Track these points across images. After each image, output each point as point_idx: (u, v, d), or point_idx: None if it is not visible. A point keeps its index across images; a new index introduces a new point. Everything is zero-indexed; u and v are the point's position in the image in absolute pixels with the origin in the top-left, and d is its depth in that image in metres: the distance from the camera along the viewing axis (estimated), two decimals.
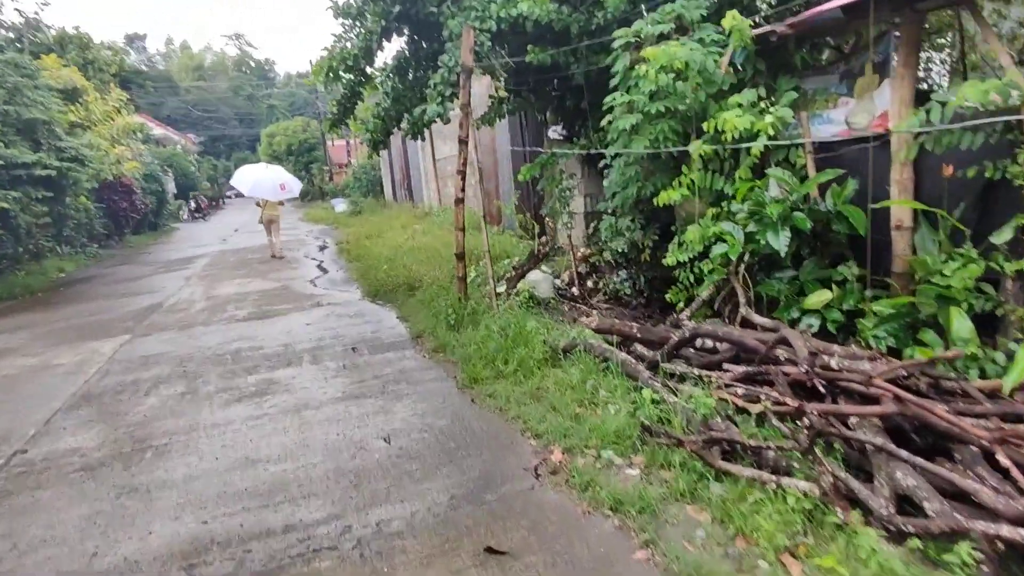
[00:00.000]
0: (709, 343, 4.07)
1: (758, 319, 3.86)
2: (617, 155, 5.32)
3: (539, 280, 6.66)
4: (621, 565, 2.43)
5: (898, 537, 2.26)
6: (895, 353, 3.44)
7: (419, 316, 6.33)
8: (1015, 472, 2.20)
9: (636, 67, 4.69)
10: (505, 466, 3.25)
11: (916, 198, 3.72)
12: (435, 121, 6.13)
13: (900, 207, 3.76)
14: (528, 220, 9.80)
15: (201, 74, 64.42)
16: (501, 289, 6.35)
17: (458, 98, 5.74)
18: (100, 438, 4.06)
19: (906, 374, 2.82)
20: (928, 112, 3.32)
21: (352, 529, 2.79)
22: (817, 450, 2.56)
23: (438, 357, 5.19)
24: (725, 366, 3.69)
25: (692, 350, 4.10)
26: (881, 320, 3.54)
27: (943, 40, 5.33)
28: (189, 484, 3.34)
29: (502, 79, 7.11)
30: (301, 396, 4.53)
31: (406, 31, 6.89)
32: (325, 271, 10.63)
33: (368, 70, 7.26)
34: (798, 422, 2.82)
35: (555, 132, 8.40)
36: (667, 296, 5.27)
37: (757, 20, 4.85)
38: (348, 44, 7.03)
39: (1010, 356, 2.97)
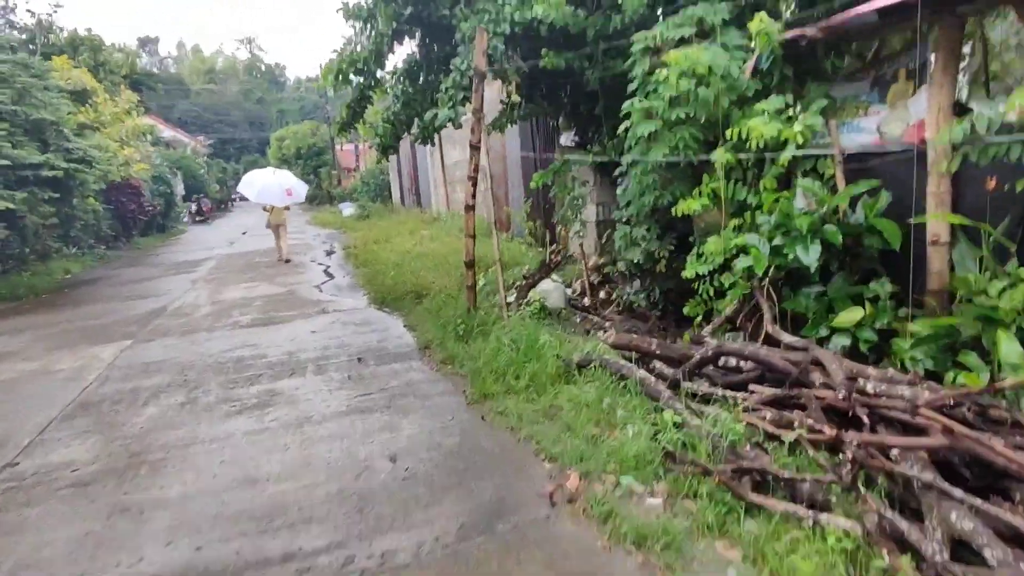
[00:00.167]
0: (732, 361, 3.88)
1: (786, 337, 3.66)
2: (634, 163, 5.15)
3: (550, 290, 6.48)
4: None
5: None
6: (933, 376, 3.23)
7: (427, 325, 6.15)
8: None
9: (656, 72, 4.52)
10: (518, 492, 3.06)
11: (954, 211, 3.53)
12: (446, 126, 5.99)
13: (936, 221, 3.56)
14: (538, 227, 9.64)
15: (212, 77, 64.86)
16: (511, 298, 6.18)
17: (470, 102, 5.59)
18: (95, 451, 3.90)
19: (953, 403, 2.61)
20: (973, 122, 3.12)
21: (355, 560, 2.61)
22: (860, 485, 2.36)
23: (446, 369, 5.01)
24: (751, 387, 3.49)
25: (714, 368, 3.90)
26: (918, 341, 3.34)
27: (963, 50, 5.14)
28: (184, 504, 3.17)
29: (514, 84, 6.97)
30: (304, 409, 4.36)
31: (417, 34, 6.76)
32: (331, 276, 10.49)
33: (378, 74, 7.13)
34: (839, 454, 2.61)
35: (567, 139, 8.24)
36: (684, 309, 5.07)
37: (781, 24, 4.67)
38: (358, 47, 6.91)
39: None
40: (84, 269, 13.49)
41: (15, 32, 18.66)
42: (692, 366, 3.71)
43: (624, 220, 5.93)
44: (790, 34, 3.98)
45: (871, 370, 3.17)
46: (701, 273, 4.66)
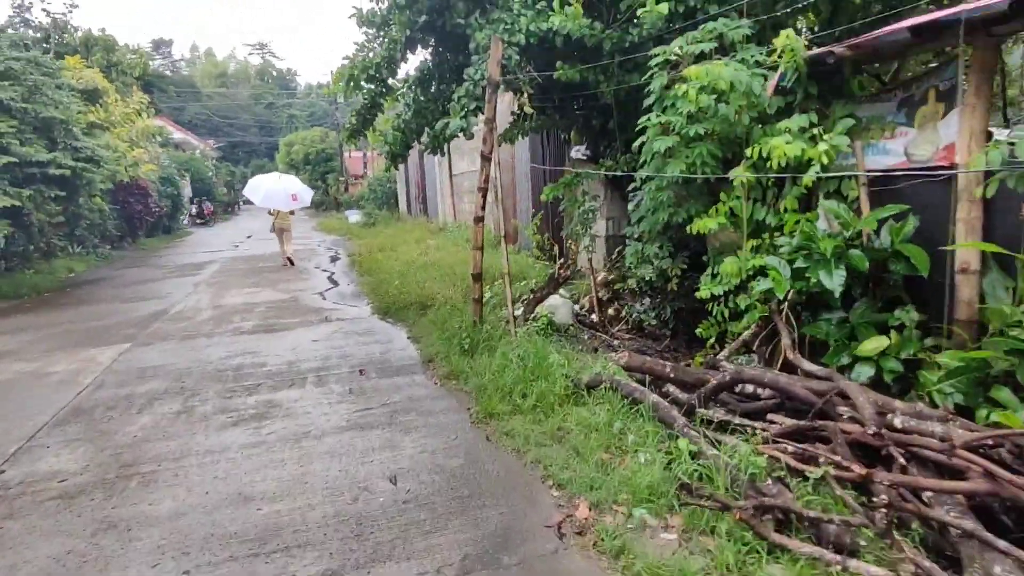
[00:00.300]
0: (748, 388, 3.72)
1: (807, 365, 3.51)
2: (648, 178, 5.03)
3: (558, 305, 6.35)
4: None
5: None
6: (964, 412, 3.08)
7: (431, 337, 6.02)
8: None
9: (674, 86, 4.42)
10: (525, 521, 2.90)
11: (985, 238, 3.38)
12: (457, 136, 5.88)
13: (966, 249, 3.42)
14: (546, 241, 9.52)
15: (224, 81, 65.44)
16: (518, 313, 6.04)
17: (482, 112, 5.50)
18: (84, 460, 3.76)
19: (992, 443, 2.45)
20: (1013, 146, 2.99)
21: None
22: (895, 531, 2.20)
23: (450, 385, 4.86)
24: (769, 416, 3.34)
25: (729, 395, 3.75)
26: (947, 373, 3.18)
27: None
28: (174, 522, 3.02)
29: (527, 95, 6.89)
30: (303, 423, 4.21)
31: (431, 42, 6.69)
32: (336, 283, 10.39)
33: (390, 81, 7.06)
34: (869, 495, 2.45)
35: (578, 152, 8.14)
36: (697, 331, 4.93)
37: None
38: (371, 54, 6.84)
39: None
40: (88, 268, 13.43)
41: (30, 31, 18.77)
42: (708, 392, 3.56)
43: (636, 237, 5.81)
44: (817, 51, 3.87)
45: (898, 403, 3.02)
46: (716, 294, 4.53)
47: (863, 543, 2.35)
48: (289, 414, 4.39)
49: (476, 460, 3.54)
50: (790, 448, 2.95)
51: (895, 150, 3.92)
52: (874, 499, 2.57)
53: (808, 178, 3.81)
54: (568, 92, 6.63)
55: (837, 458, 2.62)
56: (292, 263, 12.51)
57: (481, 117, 5.56)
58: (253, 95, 63.74)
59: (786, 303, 3.97)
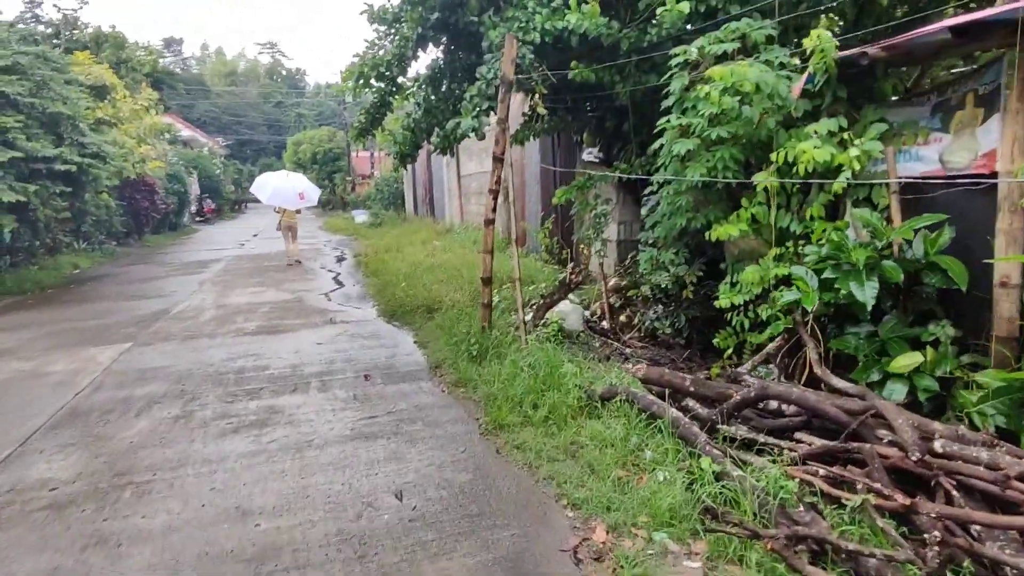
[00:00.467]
0: (772, 404, 3.54)
1: (836, 382, 3.33)
2: (665, 182, 4.86)
3: (568, 311, 6.17)
4: None
5: None
6: (1006, 436, 2.89)
7: (438, 342, 5.86)
8: None
9: (696, 88, 4.25)
10: (538, 544, 2.73)
11: None
12: (468, 135, 5.73)
13: (1007, 262, 3.23)
14: (555, 244, 9.36)
15: (233, 80, 65.64)
16: (527, 318, 5.87)
17: (494, 112, 5.34)
18: (77, 467, 3.61)
19: None
20: None
21: None
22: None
23: (458, 393, 4.70)
24: (797, 435, 3.16)
25: (752, 411, 3.57)
26: (989, 394, 3.00)
27: None
28: (167, 538, 2.86)
29: (540, 96, 6.74)
30: (305, 431, 4.06)
31: (443, 40, 6.54)
32: (341, 284, 10.25)
33: (400, 79, 6.92)
34: (910, 529, 2.27)
35: (589, 154, 7.98)
36: (714, 340, 4.75)
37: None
38: (381, 51, 6.71)
39: None
40: (92, 265, 13.35)
41: (41, 26, 18.77)
42: (731, 407, 3.38)
43: (650, 242, 5.64)
44: (849, 52, 3.69)
45: (938, 425, 2.83)
46: (736, 303, 4.35)
47: None
48: (291, 421, 4.24)
49: (486, 475, 3.37)
50: (822, 471, 2.77)
51: (929, 157, 3.74)
52: (914, 530, 2.39)
53: (839, 184, 3.63)
54: (582, 93, 6.47)
55: (876, 485, 2.44)
56: (299, 263, 12.43)
57: (493, 117, 5.41)
58: (262, 94, 63.92)
59: (811, 315, 3.79)
